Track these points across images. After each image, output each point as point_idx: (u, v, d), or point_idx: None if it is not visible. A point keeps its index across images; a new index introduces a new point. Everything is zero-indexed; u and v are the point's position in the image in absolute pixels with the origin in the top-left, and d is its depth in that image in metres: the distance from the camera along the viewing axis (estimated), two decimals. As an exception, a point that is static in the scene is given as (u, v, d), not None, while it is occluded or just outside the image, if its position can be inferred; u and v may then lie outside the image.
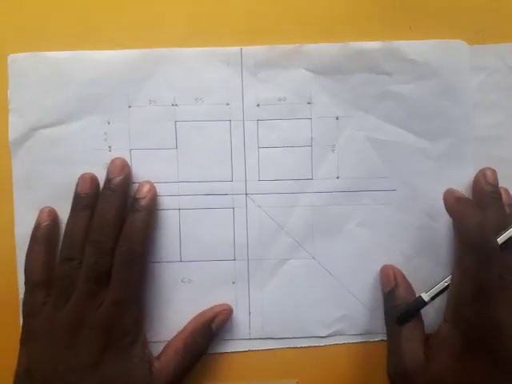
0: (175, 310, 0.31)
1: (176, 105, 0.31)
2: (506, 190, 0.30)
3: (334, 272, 0.31)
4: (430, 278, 0.30)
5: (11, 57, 0.31)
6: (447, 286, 0.28)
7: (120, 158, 0.30)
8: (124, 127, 0.31)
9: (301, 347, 0.31)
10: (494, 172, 0.30)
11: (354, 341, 0.31)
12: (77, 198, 0.29)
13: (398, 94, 0.31)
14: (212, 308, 0.30)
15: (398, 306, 0.29)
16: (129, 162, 0.31)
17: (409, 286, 0.30)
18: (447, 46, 0.30)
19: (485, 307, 0.25)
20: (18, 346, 0.28)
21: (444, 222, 0.31)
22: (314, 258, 0.31)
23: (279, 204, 0.31)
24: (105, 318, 0.27)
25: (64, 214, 0.30)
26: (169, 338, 0.31)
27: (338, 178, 0.31)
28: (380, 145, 0.31)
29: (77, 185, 0.30)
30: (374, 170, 0.31)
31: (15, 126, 0.31)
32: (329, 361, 0.31)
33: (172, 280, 0.31)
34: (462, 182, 0.31)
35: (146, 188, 0.30)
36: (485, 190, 0.29)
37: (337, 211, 0.31)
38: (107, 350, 0.27)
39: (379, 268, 0.31)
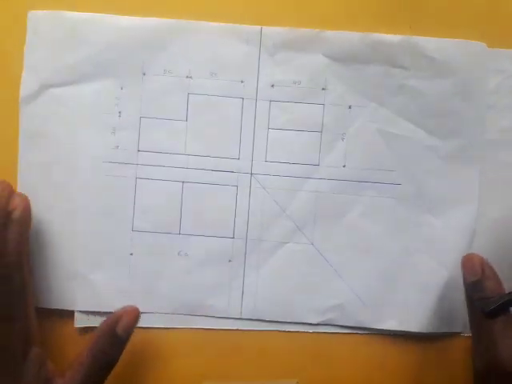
0: (169, 283, 0.31)
1: (190, 77, 0.31)
2: None
3: (331, 260, 0.31)
4: (430, 276, 0.30)
5: (31, 13, 0.30)
6: None
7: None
8: (136, 94, 0.31)
9: (290, 331, 0.31)
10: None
11: (345, 331, 0.31)
12: None
13: (413, 90, 0.30)
14: (115, 312, 0.28)
15: (488, 298, 0.27)
16: (137, 129, 0.31)
17: (497, 277, 0.27)
18: (467, 47, 0.30)
19: None
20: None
21: (445, 220, 0.31)
22: (312, 243, 0.31)
23: (283, 187, 0.31)
24: None
25: (64, 175, 0.30)
26: (161, 310, 0.31)
27: (344, 166, 0.31)
28: (390, 138, 0.31)
29: None
30: (381, 163, 0.31)
31: (27, 82, 0.30)
32: (329, 361, 0.31)
33: (169, 252, 0.31)
34: (467, 183, 0.31)
35: (16, 200, 0.27)
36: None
37: (340, 199, 0.31)
38: None
39: (377, 260, 0.31)
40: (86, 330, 0.31)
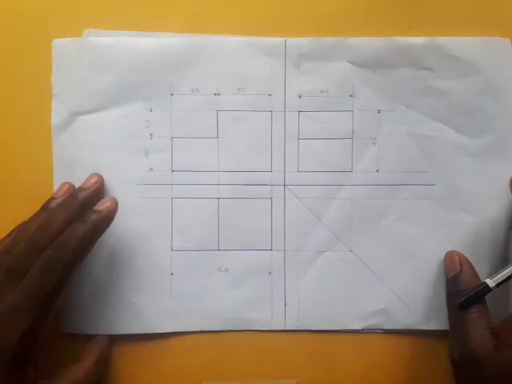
0: (211, 300, 0.31)
1: (218, 94, 0.31)
2: None
3: (371, 265, 0.31)
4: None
5: (55, 42, 0.31)
6: None
7: (98, 174, 0.30)
8: (166, 115, 0.31)
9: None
10: None
11: (391, 334, 0.31)
12: (48, 199, 0.29)
13: (440, 90, 0.31)
14: (100, 339, 0.30)
15: (463, 290, 0.28)
16: (170, 150, 0.31)
17: (474, 271, 0.29)
18: (491, 43, 0.30)
19: None
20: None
21: (482, 217, 0.31)
22: (351, 250, 0.31)
23: (318, 196, 0.31)
24: None
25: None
26: (206, 328, 0.31)
27: (377, 171, 0.31)
28: (420, 139, 0.31)
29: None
30: (413, 165, 0.31)
31: (57, 111, 0.31)
32: (329, 361, 0.31)
33: (209, 268, 0.31)
34: (499, 179, 0.31)
35: (105, 203, 0.28)
36: None
37: (375, 204, 0.31)
38: None
39: (417, 262, 0.31)
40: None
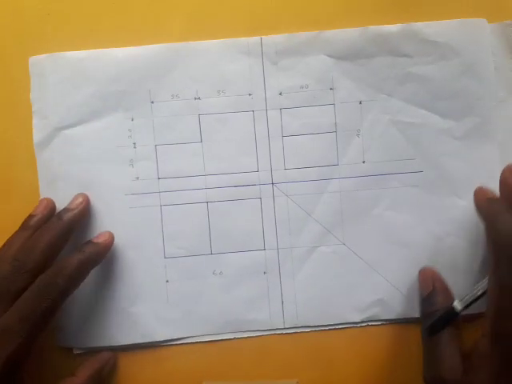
0: (208, 304, 0.31)
1: (198, 98, 0.31)
2: None
3: (365, 256, 0.31)
4: (463, 257, 0.30)
5: (32, 59, 0.31)
6: (481, 295, 0.27)
7: (83, 194, 0.30)
8: (148, 123, 0.31)
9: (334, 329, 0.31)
10: None
11: (389, 324, 0.31)
12: (27, 217, 0.29)
13: (420, 76, 0.30)
14: (100, 355, 0.30)
15: (435, 312, 0.28)
16: (154, 157, 0.31)
17: (447, 290, 0.29)
18: (467, 25, 0.30)
19: None
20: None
21: (471, 200, 0.30)
22: (344, 243, 0.31)
23: (306, 191, 0.31)
24: None
25: (90, 213, 0.31)
26: (205, 332, 0.31)
27: (364, 162, 0.31)
28: (405, 127, 0.31)
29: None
30: (399, 153, 0.31)
31: (39, 127, 0.31)
32: (329, 361, 0.31)
33: (203, 273, 0.31)
34: (487, 160, 0.31)
35: (103, 237, 0.29)
36: None
37: (364, 195, 0.31)
38: None
39: (410, 249, 0.31)
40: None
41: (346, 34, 0.30)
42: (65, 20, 0.31)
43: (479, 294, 0.27)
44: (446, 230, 0.31)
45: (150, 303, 0.31)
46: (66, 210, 0.29)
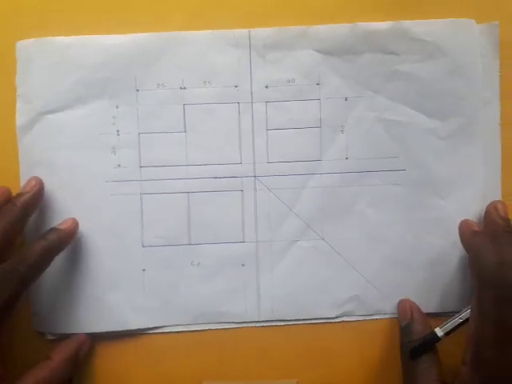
0: (185, 294, 0.31)
1: (184, 88, 0.31)
2: None
3: (344, 253, 0.31)
4: (441, 257, 0.30)
5: (19, 44, 0.30)
6: (463, 322, 0.27)
7: (36, 177, 0.30)
8: (132, 111, 0.31)
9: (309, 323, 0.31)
10: (505, 205, 0.29)
11: (364, 319, 0.31)
12: None
13: (407, 74, 0.30)
14: (75, 337, 0.30)
15: (413, 340, 0.28)
16: (137, 145, 0.31)
17: (425, 320, 0.29)
18: (456, 25, 0.30)
19: (508, 351, 0.24)
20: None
21: (454, 200, 0.31)
22: (323, 239, 0.31)
23: (288, 186, 0.31)
24: None
25: (70, 199, 0.31)
26: (180, 322, 0.31)
27: (347, 158, 0.31)
28: (389, 125, 0.31)
29: None
30: (383, 150, 0.31)
31: (22, 111, 0.31)
32: (329, 361, 0.31)
33: (181, 263, 0.31)
34: (471, 161, 0.31)
35: (66, 223, 0.29)
36: (498, 223, 0.28)
37: (346, 192, 0.31)
38: None
39: (388, 247, 0.31)
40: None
41: (334, 30, 0.30)
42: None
43: (461, 321, 0.27)
44: (426, 229, 0.31)
45: (126, 291, 0.31)
46: (19, 194, 0.29)
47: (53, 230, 0.29)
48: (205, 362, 0.31)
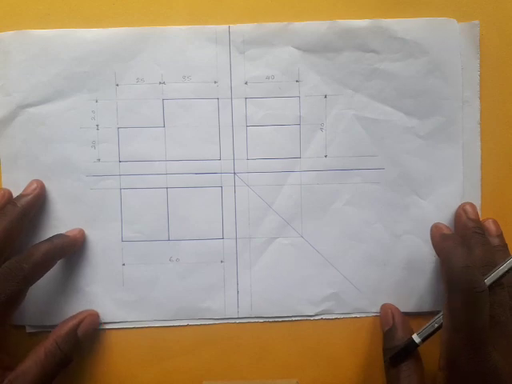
0: (164, 290, 0.31)
1: (163, 83, 0.31)
2: (495, 222, 0.29)
3: (322, 250, 0.31)
4: (419, 256, 0.31)
5: (-1, 35, 0.30)
6: (438, 327, 0.27)
7: (38, 180, 0.30)
8: (111, 105, 0.31)
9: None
10: (473, 207, 0.30)
11: (343, 317, 0.31)
12: None
13: (386, 73, 0.30)
14: (77, 314, 0.30)
15: (395, 346, 0.28)
16: (116, 140, 0.31)
17: (406, 325, 0.29)
18: (437, 24, 0.30)
19: (479, 354, 0.24)
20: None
21: (432, 199, 0.31)
22: (302, 236, 0.31)
23: (267, 183, 0.31)
24: None
25: (50, 192, 0.31)
26: (158, 318, 0.31)
27: (326, 156, 0.31)
28: (369, 123, 0.31)
29: None
30: (362, 149, 0.31)
31: (1, 104, 0.31)
32: (329, 361, 0.31)
33: (160, 259, 0.31)
34: (450, 160, 0.31)
35: (73, 232, 0.30)
36: (467, 225, 0.29)
37: (325, 190, 0.31)
38: None
39: (367, 245, 0.31)
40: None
41: (314, 27, 0.30)
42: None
43: (436, 326, 0.27)
44: (404, 227, 0.31)
45: (105, 285, 0.31)
46: (20, 196, 0.29)
47: (60, 235, 0.29)
48: (205, 362, 0.31)
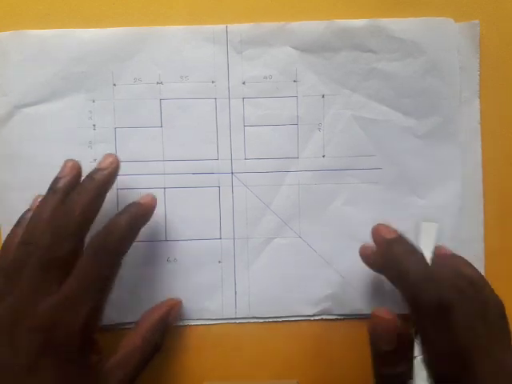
0: (161, 290, 0.31)
1: (161, 83, 0.30)
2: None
3: (320, 251, 0.31)
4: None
5: (-5, 35, 0.30)
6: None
7: (113, 154, 0.28)
8: (109, 105, 0.30)
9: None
10: (385, 226, 0.27)
11: (342, 317, 0.31)
12: (54, 180, 0.27)
13: (384, 72, 0.30)
14: (164, 302, 0.30)
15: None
16: (113, 140, 0.31)
17: (392, 336, 0.26)
18: (434, 24, 0.30)
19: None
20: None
21: (431, 199, 0.31)
22: (300, 236, 0.31)
23: (265, 183, 0.31)
24: (47, 314, 0.24)
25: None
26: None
27: (324, 156, 0.31)
28: (366, 123, 0.31)
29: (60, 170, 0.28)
30: (360, 149, 0.31)
31: (-1, 104, 0.30)
32: (329, 361, 0.31)
33: (157, 259, 0.31)
34: (448, 160, 0.31)
35: (145, 198, 0.28)
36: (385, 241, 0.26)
37: (323, 190, 0.31)
38: (45, 354, 0.23)
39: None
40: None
41: (311, 27, 0.30)
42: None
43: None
44: (403, 228, 0.30)
45: (102, 286, 0.31)
46: (97, 170, 0.27)
47: (134, 203, 0.27)
48: (205, 362, 0.31)
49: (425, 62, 0.30)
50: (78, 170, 0.28)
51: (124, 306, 0.31)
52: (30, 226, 0.26)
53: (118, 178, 0.30)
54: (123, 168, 0.30)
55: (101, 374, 0.25)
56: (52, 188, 0.27)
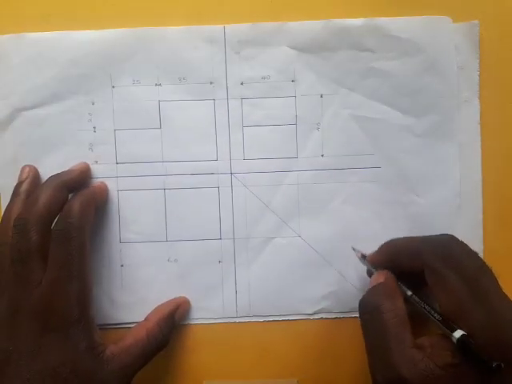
0: (162, 290, 0.31)
1: (159, 84, 0.31)
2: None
3: (320, 249, 0.31)
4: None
5: (-7, 39, 0.30)
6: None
7: (84, 162, 0.31)
8: (108, 107, 0.31)
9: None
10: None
11: (342, 316, 0.31)
12: (16, 185, 0.29)
13: (382, 71, 0.30)
14: (173, 299, 0.31)
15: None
16: (113, 142, 0.31)
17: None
18: (431, 22, 0.30)
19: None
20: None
21: (429, 197, 0.31)
22: (299, 235, 0.31)
23: (264, 183, 0.31)
24: (40, 299, 0.25)
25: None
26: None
27: (322, 156, 0.31)
28: (365, 122, 0.31)
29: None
30: (358, 148, 0.31)
31: (-1, 108, 0.31)
32: (329, 361, 0.31)
33: (158, 260, 0.31)
34: (447, 158, 0.31)
35: (96, 182, 0.30)
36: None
37: (322, 189, 0.31)
38: (46, 334, 0.25)
39: (365, 245, 0.31)
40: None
41: (309, 26, 0.30)
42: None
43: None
44: (402, 226, 0.31)
45: (104, 286, 0.31)
46: (65, 172, 0.29)
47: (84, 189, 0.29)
48: (205, 362, 0.31)
49: (423, 61, 0.30)
50: (34, 172, 0.30)
51: (125, 306, 0.31)
52: (0, 228, 0.28)
53: (119, 179, 0.31)
54: (123, 169, 0.31)
55: (105, 354, 0.26)
56: (15, 192, 0.29)
